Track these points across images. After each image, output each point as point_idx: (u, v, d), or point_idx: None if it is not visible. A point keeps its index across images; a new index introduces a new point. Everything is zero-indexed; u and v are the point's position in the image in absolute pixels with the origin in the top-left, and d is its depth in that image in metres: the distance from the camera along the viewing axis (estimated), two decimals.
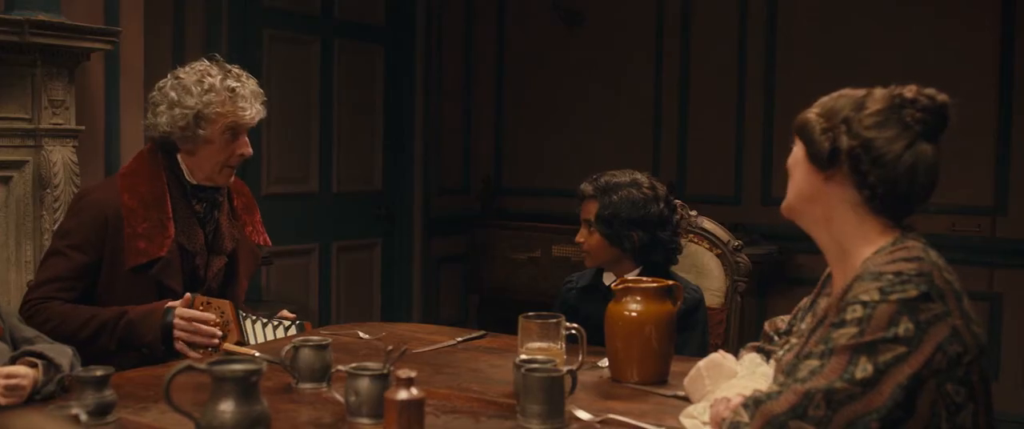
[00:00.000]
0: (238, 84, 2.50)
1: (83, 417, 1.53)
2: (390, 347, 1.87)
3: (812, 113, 1.70)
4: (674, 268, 2.74)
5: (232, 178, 2.58)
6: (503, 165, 6.32)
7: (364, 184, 5.61)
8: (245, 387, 1.61)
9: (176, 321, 2.39)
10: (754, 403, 1.60)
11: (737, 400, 1.68)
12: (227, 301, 2.52)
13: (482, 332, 2.73)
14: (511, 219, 5.95)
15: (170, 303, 2.43)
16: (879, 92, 1.67)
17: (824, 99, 1.72)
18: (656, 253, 2.66)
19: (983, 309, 4.87)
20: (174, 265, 2.48)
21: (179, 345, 2.40)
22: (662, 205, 2.66)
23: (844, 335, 1.57)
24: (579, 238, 2.72)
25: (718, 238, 3.03)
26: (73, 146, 3.42)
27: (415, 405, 1.61)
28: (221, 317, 2.45)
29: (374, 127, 5.65)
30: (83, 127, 3.46)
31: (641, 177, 2.70)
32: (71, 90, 3.42)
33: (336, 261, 5.44)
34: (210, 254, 2.58)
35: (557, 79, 6.04)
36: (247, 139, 2.54)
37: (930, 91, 1.66)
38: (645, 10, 5.75)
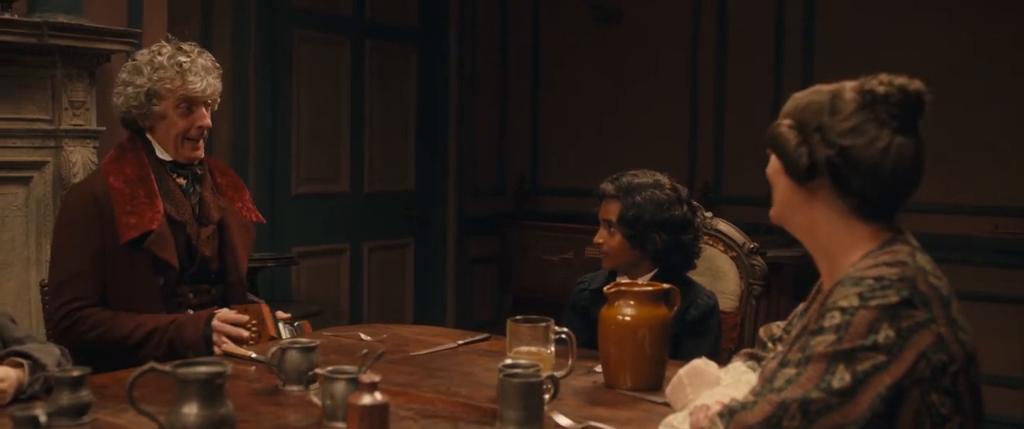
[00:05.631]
0: (186, 59, 2.58)
1: (43, 419, 1.52)
2: (364, 351, 1.85)
3: (784, 125, 1.62)
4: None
5: (199, 151, 2.64)
6: (538, 165, 6.28)
7: (396, 184, 5.61)
8: (209, 389, 1.59)
9: (214, 323, 2.50)
10: (729, 413, 1.55)
11: (715, 408, 1.62)
12: (262, 304, 2.65)
13: (485, 335, 2.70)
14: (545, 220, 5.90)
15: (215, 309, 2.54)
16: (850, 91, 1.59)
17: (796, 100, 1.64)
18: (677, 256, 2.60)
19: None
20: (166, 237, 2.54)
21: (217, 337, 2.49)
22: (685, 207, 2.60)
23: (822, 342, 1.50)
24: (598, 239, 2.67)
25: (733, 240, 2.96)
26: (93, 147, 3.46)
27: (378, 410, 1.58)
28: (256, 319, 2.58)
29: (407, 127, 5.64)
30: (104, 128, 3.49)
31: (663, 178, 2.64)
32: (91, 91, 3.46)
33: (367, 261, 5.44)
34: (199, 225, 2.64)
35: (592, 78, 5.99)
36: (205, 111, 2.62)
37: (901, 81, 1.57)
38: (681, 8, 5.66)
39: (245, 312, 2.59)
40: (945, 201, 4.75)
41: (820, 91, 1.62)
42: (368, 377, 1.59)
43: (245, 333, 2.54)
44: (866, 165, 1.55)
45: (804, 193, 1.62)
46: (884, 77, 1.58)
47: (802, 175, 1.59)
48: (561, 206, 6.03)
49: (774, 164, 1.67)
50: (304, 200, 5.03)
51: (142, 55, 2.61)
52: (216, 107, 2.67)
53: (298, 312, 3.50)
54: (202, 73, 2.58)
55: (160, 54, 2.58)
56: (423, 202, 5.73)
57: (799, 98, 1.64)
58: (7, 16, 3.18)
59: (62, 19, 3.29)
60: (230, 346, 2.44)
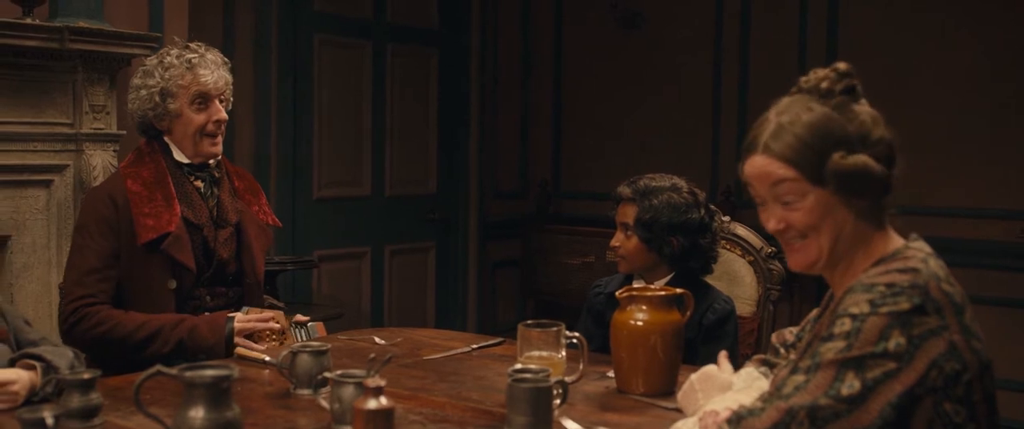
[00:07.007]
0: (194, 55, 2.62)
1: (50, 421, 1.53)
2: (372, 355, 1.84)
3: (780, 169, 1.58)
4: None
5: (218, 147, 2.66)
6: (560, 168, 6.26)
7: (418, 187, 5.61)
8: (216, 392, 1.59)
9: (237, 317, 2.52)
10: (737, 419, 1.53)
11: (724, 414, 1.61)
12: (279, 311, 2.66)
13: (499, 339, 2.69)
14: (567, 223, 5.89)
15: (231, 313, 2.56)
16: (813, 103, 1.60)
17: (793, 134, 1.59)
18: (694, 260, 2.59)
19: None
20: (183, 240, 2.56)
21: (239, 338, 2.50)
22: (703, 211, 2.59)
23: (831, 349, 1.48)
24: (615, 242, 2.65)
25: (751, 245, 2.94)
26: (114, 151, 3.49)
27: (383, 414, 1.57)
28: (278, 322, 2.60)
29: (428, 130, 5.65)
30: (124, 132, 3.52)
31: (680, 181, 2.63)
32: (112, 95, 3.49)
33: (389, 265, 5.45)
34: (216, 227, 2.66)
35: (615, 81, 5.96)
36: (219, 105, 2.64)
37: (834, 69, 1.62)
38: (704, 10, 5.63)
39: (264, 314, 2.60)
40: (969, 205, 4.69)
41: (776, 119, 1.63)
42: (374, 381, 1.59)
43: (276, 325, 2.56)
44: (867, 140, 1.57)
45: (836, 203, 1.58)
46: (820, 72, 1.62)
47: (820, 182, 1.56)
48: (583, 209, 6.01)
49: (790, 184, 1.59)
50: (326, 203, 5.04)
51: (151, 60, 2.66)
52: (230, 104, 2.69)
53: (319, 315, 3.51)
54: (212, 66, 2.62)
55: (168, 55, 2.63)
56: (444, 205, 5.73)
57: (790, 133, 1.59)
58: (29, 21, 3.22)
59: (83, 24, 3.32)
60: (244, 349, 2.44)
